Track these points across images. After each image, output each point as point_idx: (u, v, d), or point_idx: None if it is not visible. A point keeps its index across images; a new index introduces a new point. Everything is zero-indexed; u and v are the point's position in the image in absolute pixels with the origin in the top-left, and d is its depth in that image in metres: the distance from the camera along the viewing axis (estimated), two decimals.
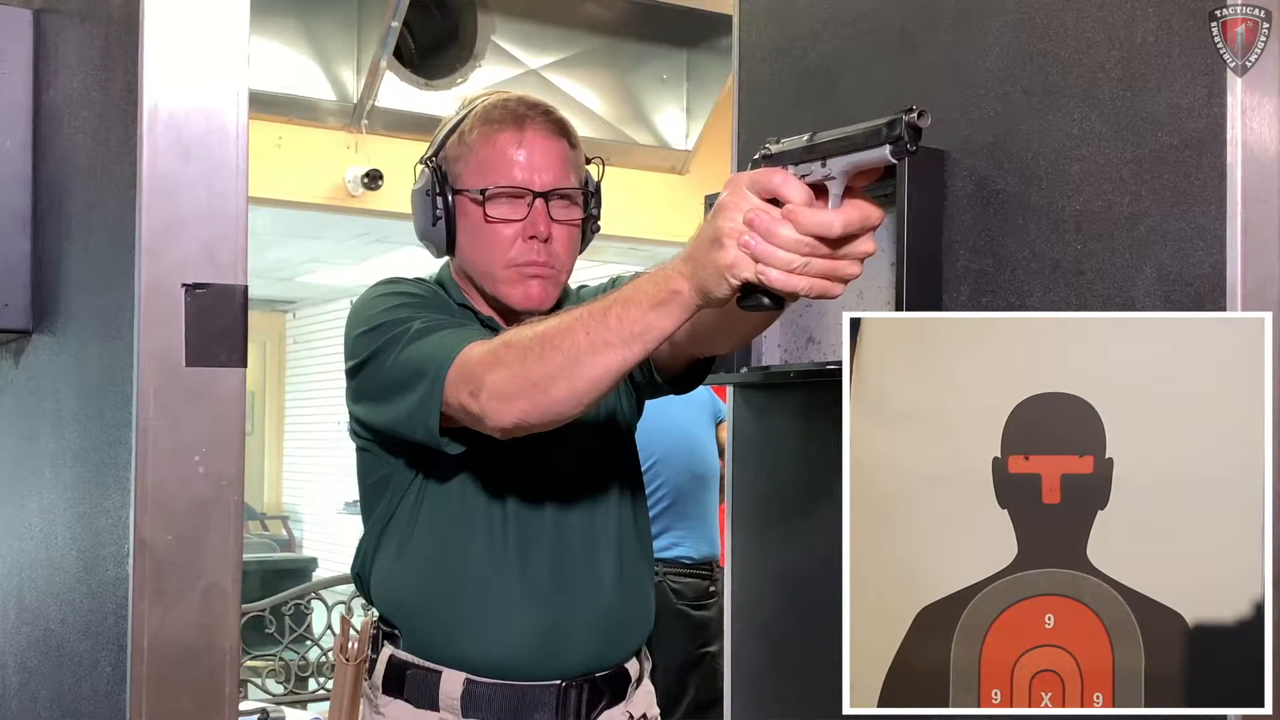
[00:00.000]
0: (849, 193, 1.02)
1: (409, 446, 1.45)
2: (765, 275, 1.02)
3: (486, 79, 5.04)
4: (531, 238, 1.48)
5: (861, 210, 1.01)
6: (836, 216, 1.00)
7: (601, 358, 1.16)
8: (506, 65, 5.12)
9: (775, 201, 1.02)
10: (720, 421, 3.75)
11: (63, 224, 1.15)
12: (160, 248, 0.91)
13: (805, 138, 1.04)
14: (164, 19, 0.92)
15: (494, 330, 1.52)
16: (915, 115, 0.94)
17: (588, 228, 1.56)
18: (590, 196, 1.55)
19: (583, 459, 1.55)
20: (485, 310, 1.55)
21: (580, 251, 1.58)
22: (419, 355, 1.36)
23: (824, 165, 1.02)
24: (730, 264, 1.03)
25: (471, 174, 1.50)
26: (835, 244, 1.02)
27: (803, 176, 1.03)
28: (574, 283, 1.65)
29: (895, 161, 0.97)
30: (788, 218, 1.01)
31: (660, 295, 1.11)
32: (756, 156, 1.09)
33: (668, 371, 1.50)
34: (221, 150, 0.93)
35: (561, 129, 1.52)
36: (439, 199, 1.51)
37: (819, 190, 1.02)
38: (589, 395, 1.21)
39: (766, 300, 1.04)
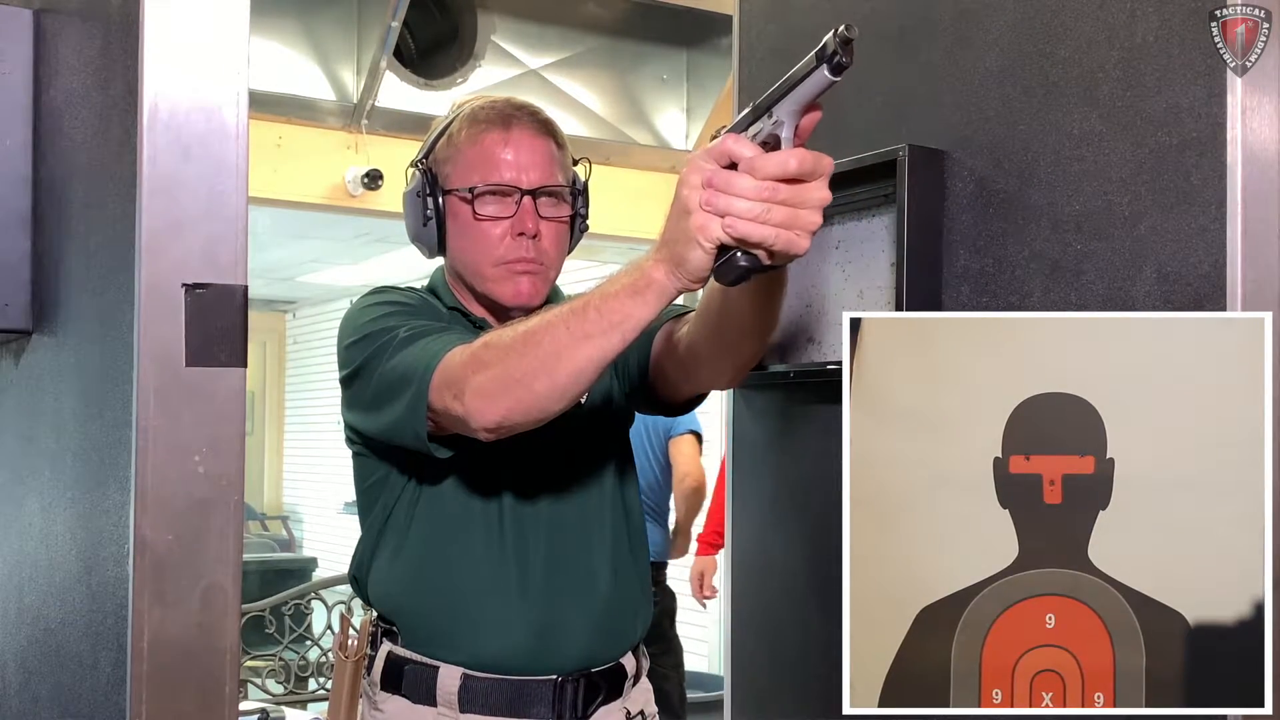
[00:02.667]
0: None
1: (402, 451, 1.46)
2: (732, 228, 1.05)
3: (486, 79, 5.03)
4: (520, 235, 1.50)
5: (813, 153, 1.05)
6: (789, 154, 1.04)
7: (582, 350, 1.18)
8: (506, 65, 5.11)
9: (733, 168, 1.06)
10: (672, 437, 3.74)
11: (63, 224, 1.14)
12: (160, 248, 0.91)
13: (748, 108, 1.08)
14: (164, 19, 0.91)
15: (485, 332, 1.53)
16: (843, 28, 0.97)
17: (576, 226, 1.58)
18: (578, 195, 1.57)
19: (576, 458, 1.56)
20: (477, 311, 1.57)
21: (570, 250, 1.60)
22: (405, 363, 1.38)
23: (770, 117, 1.05)
24: (700, 226, 1.06)
25: (460, 174, 1.52)
26: (794, 191, 1.05)
27: (753, 138, 1.07)
28: (570, 289, 1.66)
29: (835, 79, 0.99)
30: (744, 170, 1.05)
31: (637, 284, 1.13)
32: (710, 142, 1.12)
33: (666, 401, 1.54)
34: (221, 150, 0.93)
35: (547, 128, 1.54)
36: (429, 200, 1.53)
37: (772, 148, 1.06)
38: (571, 389, 1.22)
39: (742, 260, 1.07)
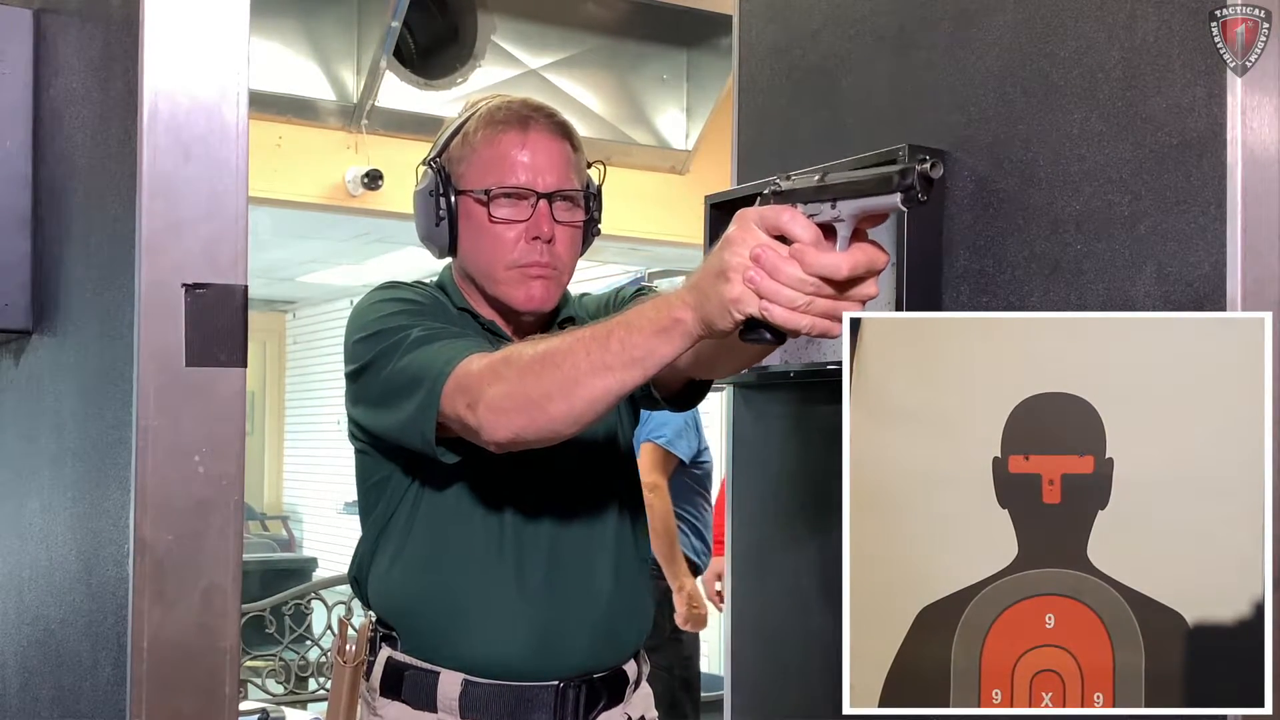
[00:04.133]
0: (856, 235, 1.03)
1: (406, 451, 1.46)
2: (769, 312, 1.02)
3: (486, 79, 5.03)
4: (534, 238, 1.49)
5: (868, 254, 1.02)
6: (844, 259, 1.01)
7: (600, 380, 1.17)
8: (506, 65, 5.11)
9: (783, 239, 1.02)
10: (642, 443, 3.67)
11: (63, 224, 1.15)
12: (160, 248, 0.91)
13: (816, 177, 1.04)
14: (164, 19, 0.92)
15: (494, 334, 1.53)
16: (928, 165, 0.94)
17: (589, 230, 1.57)
18: (591, 199, 1.56)
19: (581, 467, 1.55)
20: (486, 313, 1.56)
21: (581, 254, 1.59)
22: (417, 364, 1.37)
23: (833, 207, 1.02)
24: (735, 298, 1.03)
25: (475, 175, 1.50)
26: (840, 285, 1.02)
27: (811, 215, 1.03)
28: (577, 289, 1.65)
29: (905, 209, 0.97)
30: (795, 257, 1.01)
31: (663, 322, 1.11)
32: (766, 192, 1.09)
33: (666, 390, 1.52)
34: (221, 150, 0.93)
35: (564, 131, 1.53)
36: (442, 200, 1.51)
37: (827, 231, 1.03)
38: (586, 415, 1.21)
39: (768, 335, 1.05)
